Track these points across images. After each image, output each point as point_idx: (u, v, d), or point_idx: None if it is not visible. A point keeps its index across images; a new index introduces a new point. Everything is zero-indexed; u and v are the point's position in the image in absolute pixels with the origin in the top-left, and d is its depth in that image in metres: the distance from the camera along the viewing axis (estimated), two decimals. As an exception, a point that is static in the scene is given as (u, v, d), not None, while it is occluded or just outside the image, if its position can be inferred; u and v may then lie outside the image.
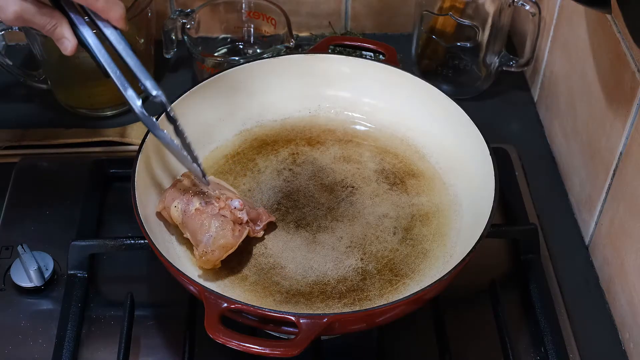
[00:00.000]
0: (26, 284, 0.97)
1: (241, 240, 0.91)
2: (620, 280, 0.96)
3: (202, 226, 0.90)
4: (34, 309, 0.96)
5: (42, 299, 0.97)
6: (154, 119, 0.87)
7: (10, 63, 1.16)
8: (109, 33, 0.85)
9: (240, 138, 1.07)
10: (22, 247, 0.97)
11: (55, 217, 1.05)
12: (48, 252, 0.99)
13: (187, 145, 0.89)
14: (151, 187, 0.96)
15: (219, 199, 0.91)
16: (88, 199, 1.06)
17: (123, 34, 0.86)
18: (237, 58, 1.18)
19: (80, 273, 0.97)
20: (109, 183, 1.09)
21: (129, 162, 0.94)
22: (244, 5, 1.23)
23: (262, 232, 0.95)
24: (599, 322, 0.98)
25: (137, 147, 0.94)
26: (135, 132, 1.16)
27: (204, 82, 1.03)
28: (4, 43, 1.29)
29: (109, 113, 1.20)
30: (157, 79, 1.24)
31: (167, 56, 1.23)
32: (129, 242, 0.96)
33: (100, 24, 0.85)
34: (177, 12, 1.19)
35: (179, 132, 0.89)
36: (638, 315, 0.92)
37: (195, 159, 0.90)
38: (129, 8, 1.12)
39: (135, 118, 1.18)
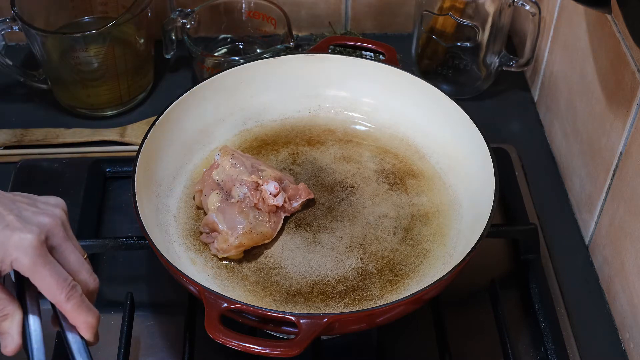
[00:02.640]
0: (26, 284, 0.97)
1: (277, 229, 0.95)
2: (620, 280, 0.96)
3: (240, 214, 0.92)
4: (34, 309, 0.96)
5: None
6: None
7: (10, 63, 1.16)
8: (73, 341, 0.76)
9: (240, 138, 1.07)
10: (22, 247, 0.96)
11: (55, 217, 1.05)
12: (48, 252, 0.99)
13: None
14: (151, 187, 0.96)
15: (257, 187, 0.94)
16: (88, 199, 1.05)
17: (88, 343, 0.76)
18: (237, 58, 1.18)
19: (80, 273, 0.97)
20: (109, 183, 1.09)
21: (129, 162, 0.94)
22: (244, 5, 1.23)
23: (299, 208, 0.98)
24: (599, 322, 0.98)
25: (137, 147, 0.94)
26: (135, 132, 1.16)
27: (204, 82, 1.03)
28: (4, 43, 1.29)
29: (108, 113, 1.20)
30: (157, 79, 1.25)
31: (167, 56, 1.23)
32: (129, 242, 0.96)
33: (65, 326, 0.76)
34: (177, 12, 1.19)
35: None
36: (638, 315, 0.92)
37: None
38: (129, 8, 1.12)
39: (136, 118, 1.19)
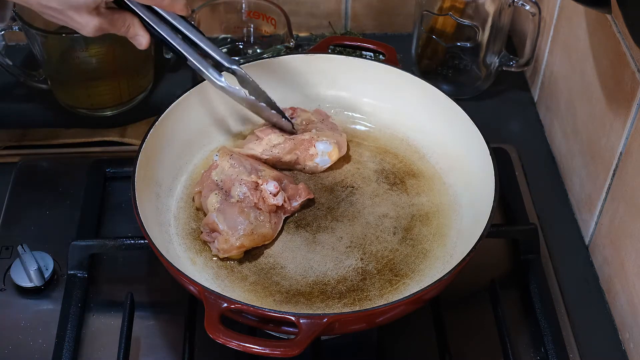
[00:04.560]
0: (26, 284, 0.97)
1: (277, 230, 0.95)
2: (620, 280, 0.96)
3: (240, 214, 0.92)
4: (34, 309, 0.96)
5: (42, 299, 0.97)
6: (238, 88, 0.96)
7: (10, 63, 1.16)
8: (177, 22, 0.93)
9: (240, 138, 1.06)
10: (22, 247, 0.97)
11: (55, 217, 1.05)
12: (48, 252, 0.99)
13: (271, 103, 0.99)
14: (151, 187, 0.96)
15: (256, 186, 0.94)
16: (88, 199, 1.05)
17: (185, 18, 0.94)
18: (237, 58, 1.18)
19: (80, 273, 0.97)
20: (109, 183, 1.09)
21: (129, 162, 0.94)
22: (244, 5, 1.23)
23: (299, 208, 0.98)
24: (599, 322, 0.98)
25: (137, 147, 0.94)
26: (135, 132, 1.16)
27: (204, 82, 1.03)
28: (4, 43, 1.29)
29: (109, 113, 1.20)
30: (157, 79, 1.25)
31: (167, 56, 1.23)
32: (129, 242, 0.95)
33: (165, 15, 0.92)
34: (177, 12, 1.19)
35: (258, 92, 0.98)
36: (638, 315, 0.92)
37: (282, 113, 1.00)
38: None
39: (136, 118, 1.19)
